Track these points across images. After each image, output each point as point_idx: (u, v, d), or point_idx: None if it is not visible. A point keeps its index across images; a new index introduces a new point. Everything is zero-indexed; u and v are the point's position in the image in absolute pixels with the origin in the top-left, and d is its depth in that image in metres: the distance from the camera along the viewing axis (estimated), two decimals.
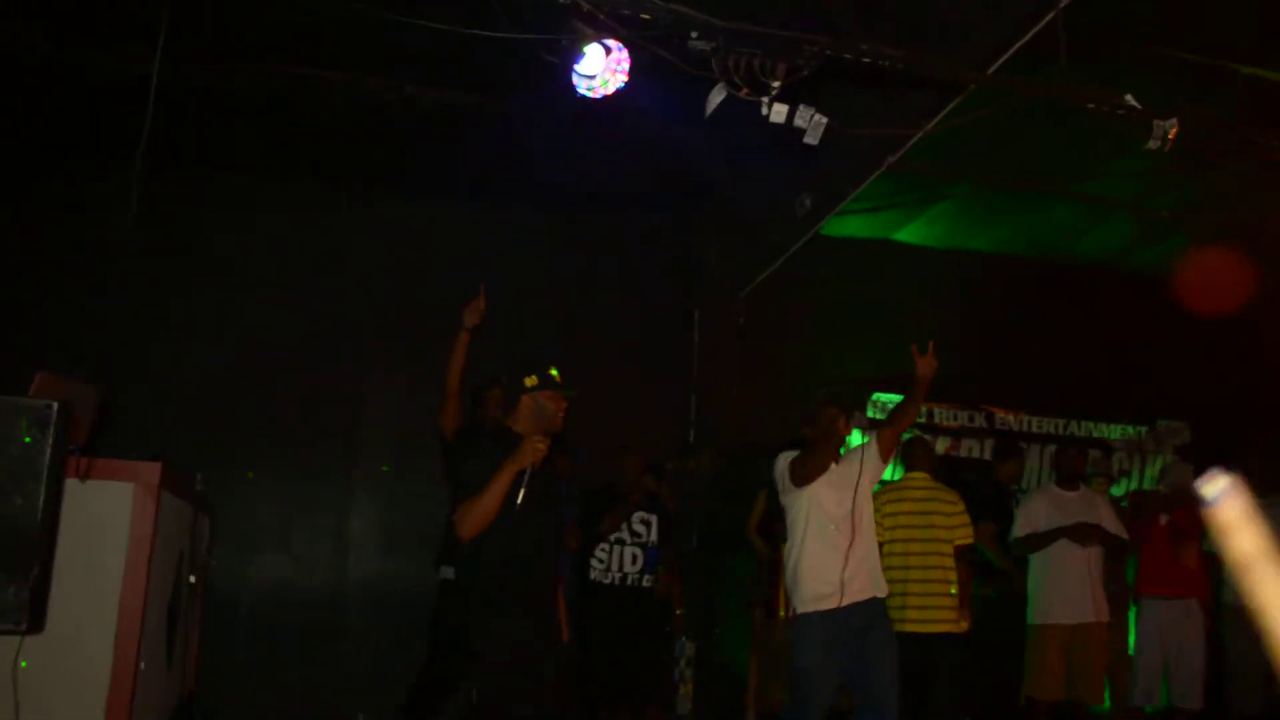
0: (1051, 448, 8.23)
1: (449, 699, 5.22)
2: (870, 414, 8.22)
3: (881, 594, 4.78)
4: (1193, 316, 8.03)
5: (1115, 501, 7.19)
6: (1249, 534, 0.91)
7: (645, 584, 6.33)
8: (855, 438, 8.02)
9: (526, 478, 3.87)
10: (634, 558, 6.41)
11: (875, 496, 6.58)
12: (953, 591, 5.91)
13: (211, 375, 6.74)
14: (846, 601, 4.61)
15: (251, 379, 6.81)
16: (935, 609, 5.86)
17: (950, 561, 5.93)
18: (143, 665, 3.49)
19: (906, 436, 7.90)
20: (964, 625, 5.89)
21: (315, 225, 7.10)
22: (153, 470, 3.56)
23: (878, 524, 6.30)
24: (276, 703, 6.30)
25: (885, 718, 4.54)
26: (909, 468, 6.43)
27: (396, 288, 7.11)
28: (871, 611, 4.68)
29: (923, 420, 8.34)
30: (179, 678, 4.70)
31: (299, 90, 5.90)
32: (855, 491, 4.79)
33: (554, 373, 4.12)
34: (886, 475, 5.95)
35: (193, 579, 4.81)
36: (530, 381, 4.09)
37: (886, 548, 5.92)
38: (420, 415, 6.71)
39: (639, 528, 6.40)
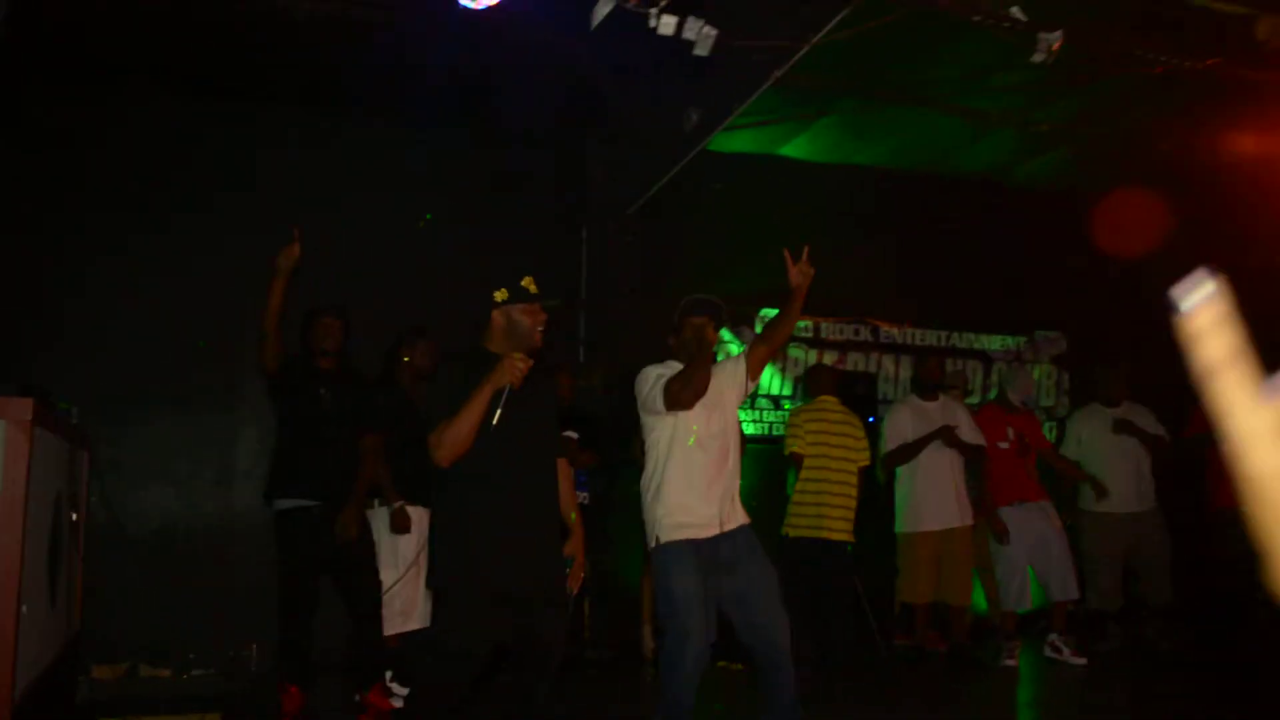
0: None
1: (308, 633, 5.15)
2: (758, 329, 8.30)
3: (744, 523, 4.30)
4: (1071, 228, 8.27)
5: (971, 410, 7.44)
6: (1221, 340, 0.90)
7: (582, 501, 6.25)
8: (735, 348, 8.16)
9: (504, 398, 3.56)
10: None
11: (795, 414, 6.79)
12: (852, 506, 6.51)
13: (86, 304, 6.47)
14: (723, 530, 4.21)
15: (132, 312, 6.55)
16: (845, 520, 6.50)
17: (854, 479, 6.55)
18: (24, 608, 3.36)
19: (810, 363, 8.10)
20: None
21: (193, 152, 6.79)
22: (23, 406, 3.38)
23: (798, 438, 6.52)
24: (167, 636, 6.16)
25: (779, 650, 4.15)
26: (816, 392, 6.74)
27: (277, 214, 6.84)
28: (742, 540, 4.25)
29: (809, 335, 8.46)
30: (64, 618, 4.55)
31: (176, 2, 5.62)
32: (726, 410, 4.34)
33: (527, 284, 3.76)
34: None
35: (74, 516, 4.64)
36: (500, 295, 3.75)
37: (808, 462, 6.51)
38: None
39: None
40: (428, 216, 6.49)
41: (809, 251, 4.32)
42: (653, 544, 4.27)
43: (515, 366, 3.55)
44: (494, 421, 3.55)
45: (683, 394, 4.19)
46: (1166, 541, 7.33)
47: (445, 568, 3.69)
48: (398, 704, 5.08)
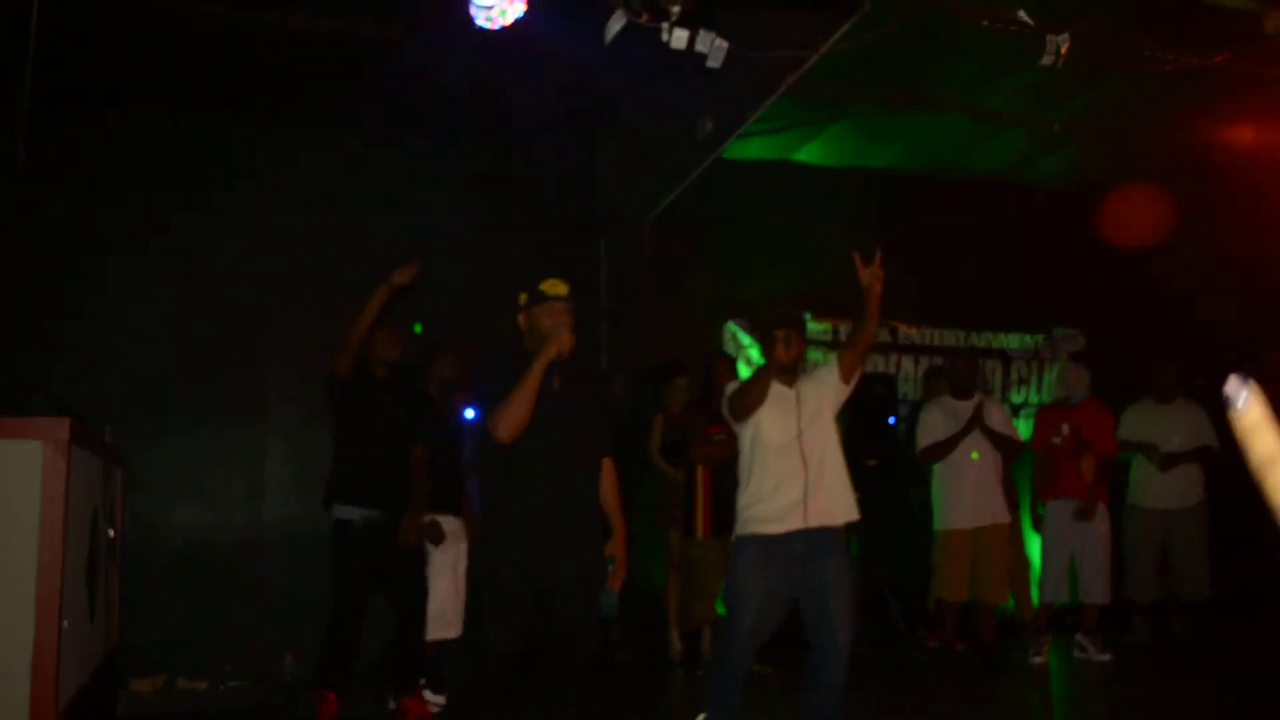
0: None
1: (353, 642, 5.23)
2: None
3: (836, 522, 4.42)
4: (1086, 226, 8.30)
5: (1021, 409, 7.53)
6: (1269, 436, 0.97)
7: None
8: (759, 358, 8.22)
9: (554, 374, 3.84)
10: None
11: None
12: None
13: (114, 322, 6.56)
14: (789, 529, 4.34)
15: (156, 324, 6.64)
16: None
17: None
18: (65, 623, 3.46)
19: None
20: None
21: (215, 164, 6.89)
22: (60, 426, 3.48)
23: None
24: (201, 649, 6.28)
25: (837, 647, 4.30)
26: None
27: (301, 227, 6.98)
28: (820, 540, 4.35)
29: (828, 339, 8.50)
30: (102, 632, 4.66)
31: (190, 22, 5.72)
32: (803, 416, 4.46)
33: (545, 286, 4.01)
34: None
35: (110, 533, 4.75)
36: (522, 299, 4.02)
37: None
38: (327, 351, 6.66)
39: None
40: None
41: (881, 256, 4.44)
42: (733, 536, 4.56)
43: (561, 338, 3.81)
44: (554, 389, 3.80)
45: (735, 406, 4.52)
46: (1203, 538, 7.42)
47: (485, 556, 3.89)
48: (434, 710, 5.17)
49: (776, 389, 4.49)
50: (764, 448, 4.47)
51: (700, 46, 4.43)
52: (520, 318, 4.02)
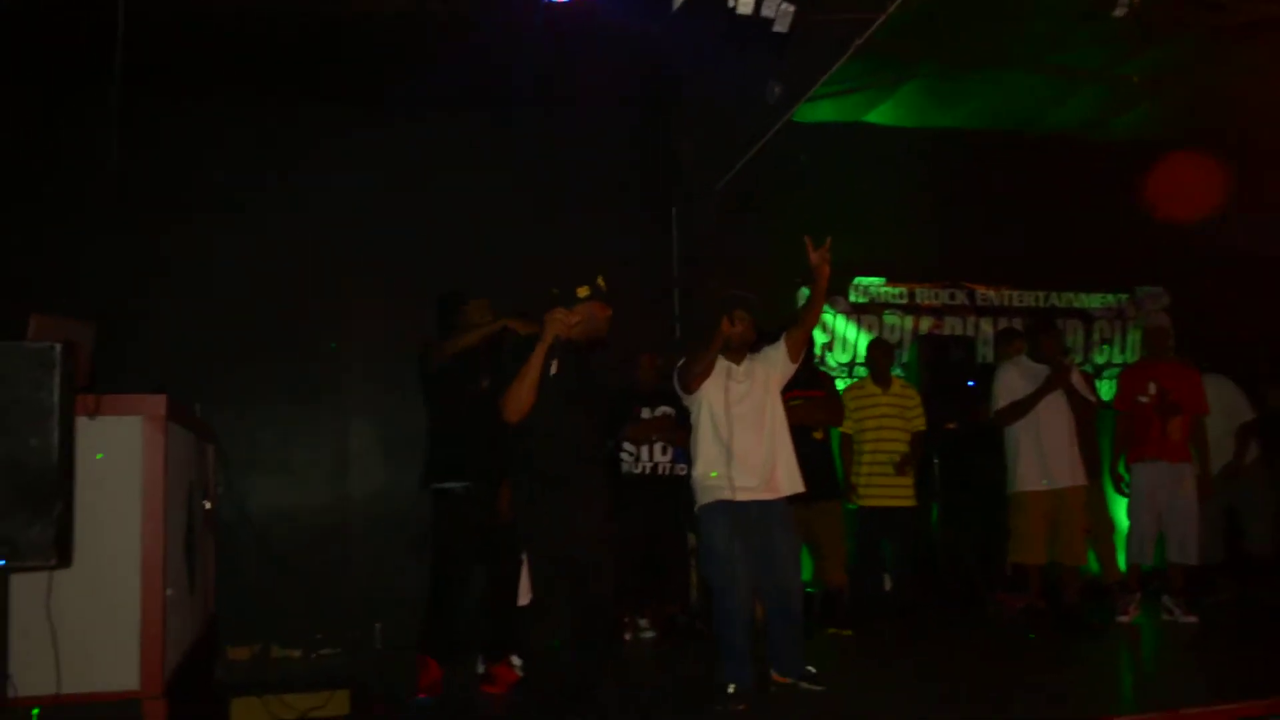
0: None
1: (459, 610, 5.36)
2: (852, 298, 8.31)
3: (784, 493, 4.92)
4: (1169, 181, 8.12)
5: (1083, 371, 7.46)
6: None
7: (679, 472, 6.48)
8: (841, 326, 8.20)
9: (556, 355, 4.25)
10: (664, 448, 6.66)
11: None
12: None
13: (198, 301, 6.72)
14: (751, 499, 4.81)
15: (238, 301, 6.80)
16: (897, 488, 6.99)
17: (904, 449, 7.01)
18: (169, 592, 3.60)
19: (908, 330, 8.18)
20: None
21: (294, 146, 7.02)
22: (158, 403, 3.62)
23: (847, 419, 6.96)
24: (291, 621, 6.45)
25: (788, 583, 4.88)
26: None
27: (377, 204, 7.09)
28: (770, 507, 4.87)
29: (904, 301, 8.44)
30: (201, 602, 4.83)
31: (267, 7, 5.83)
32: (752, 390, 4.91)
33: (601, 282, 4.42)
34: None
35: (206, 505, 4.91)
36: (583, 292, 4.37)
37: (861, 438, 7.09)
38: (406, 327, 6.77)
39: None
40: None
41: (830, 241, 4.82)
42: (695, 507, 4.98)
43: (562, 320, 4.22)
44: (551, 374, 4.21)
45: (683, 378, 4.93)
46: (1265, 496, 7.42)
47: (524, 533, 4.37)
48: (519, 675, 5.26)
49: (724, 364, 4.91)
50: (709, 420, 4.89)
51: (766, 11, 4.40)
52: (578, 309, 4.35)
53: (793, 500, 5.01)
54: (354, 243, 7.06)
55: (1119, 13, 4.57)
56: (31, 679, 3.23)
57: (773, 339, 5.11)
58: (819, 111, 7.83)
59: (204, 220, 6.80)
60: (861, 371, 8.01)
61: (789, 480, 4.93)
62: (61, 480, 3.07)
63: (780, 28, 4.46)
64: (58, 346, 3.10)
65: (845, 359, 8.17)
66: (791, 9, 4.44)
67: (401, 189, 7.12)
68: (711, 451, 4.87)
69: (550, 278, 4.52)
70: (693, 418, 5.01)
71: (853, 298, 8.31)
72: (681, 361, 4.99)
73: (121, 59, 4.17)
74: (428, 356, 5.37)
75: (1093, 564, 7.32)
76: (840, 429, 7.04)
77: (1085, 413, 6.89)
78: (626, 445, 6.59)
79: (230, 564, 5.87)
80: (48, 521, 3.04)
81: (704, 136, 7.61)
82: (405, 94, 6.85)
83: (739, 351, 4.97)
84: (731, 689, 4.68)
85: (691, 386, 4.88)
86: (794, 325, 5.06)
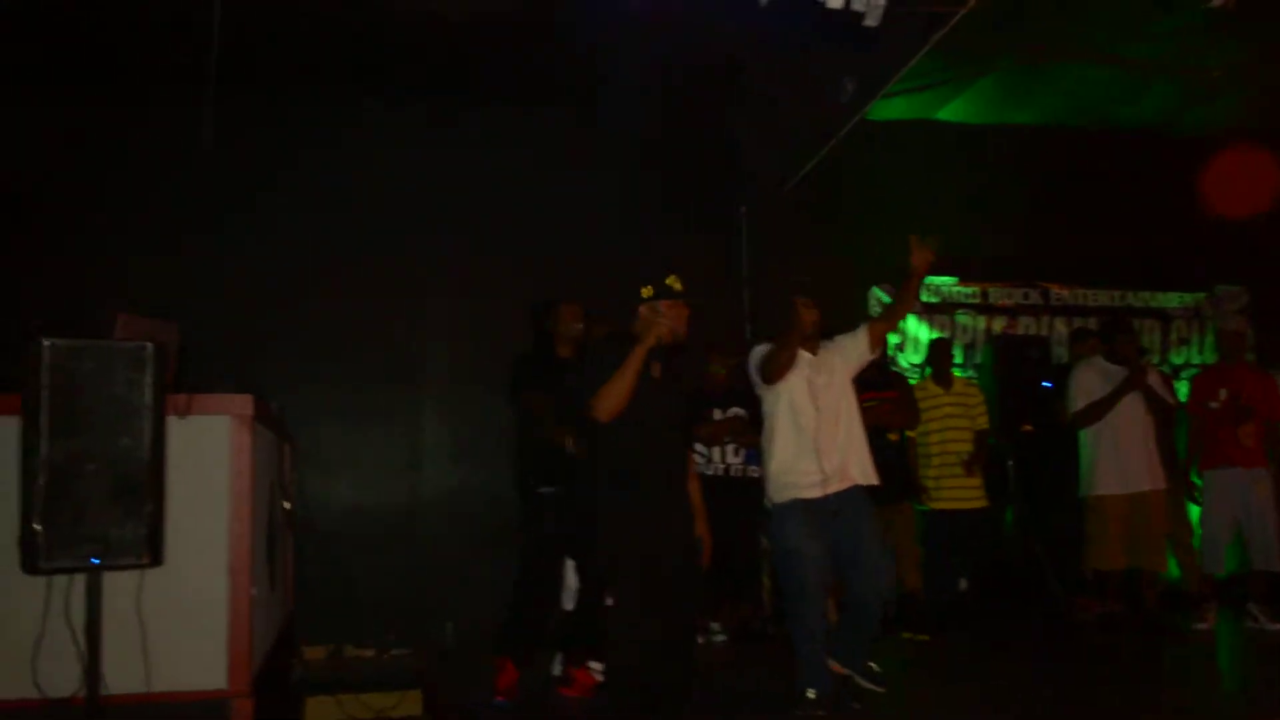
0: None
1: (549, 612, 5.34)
2: (925, 298, 8.19)
3: (862, 481, 4.73)
4: (1247, 177, 7.91)
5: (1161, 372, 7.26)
6: None
7: (752, 474, 6.41)
8: (913, 326, 8.09)
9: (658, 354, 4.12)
10: (736, 449, 6.61)
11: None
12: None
13: (270, 298, 6.79)
14: (829, 491, 4.63)
15: (311, 299, 6.87)
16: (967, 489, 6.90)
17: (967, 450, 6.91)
18: (254, 590, 3.61)
19: (980, 330, 8.06)
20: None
21: (372, 142, 7.09)
22: (245, 402, 3.63)
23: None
24: (367, 617, 6.46)
25: (870, 591, 4.64)
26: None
27: (446, 201, 7.12)
28: (847, 497, 4.67)
29: (977, 301, 8.31)
30: (281, 600, 4.85)
31: (350, 6, 5.88)
32: (836, 380, 4.75)
33: (671, 282, 4.19)
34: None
35: (286, 505, 4.93)
36: (646, 292, 4.20)
37: (926, 439, 7.01)
38: (481, 325, 6.79)
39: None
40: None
41: (937, 237, 4.69)
42: (769, 503, 4.79)
43: (659, 322, 4.06)
44: (652, 376, 4.09)
45: (767, 368, 4.72)
46: None
47: (606, 543, 4.17)
48: (600, 678, 5.22)
49: (802, 355, 4.73)
50: (791, 414, 4.70)
51: (857, 5, 4.31)
52: (642, 309, 4.20)
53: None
54: (431, 240, 7.09)
55: (1216, 3, 4.42)
56: (122, 678, 3.25)
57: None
58: (890, 109, 7.73)
59: (276, 215, 6.86)
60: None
61: (861, 472, 4.76)
62: (153, 479, 3.09)
63: (871, 21, 4.35)
64: (150, 346, 3.12)
65: (918, 360, 8.05)
66: (882, 2, 4.33)
67: (470, 185, 7.15)
68: (790, 443, 4.71)
69: (619, 273, 4.47)
70: (768, 409, 4.84)
71: (925, 298, 8.19)
72: (764, 351, 4.79)
73: (216, 61, 4.21)
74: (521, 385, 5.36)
75: (1173, 569, 7.15)
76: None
77: (1164, 414, 6.74)
78: (699, 447, 6.53)
79: (305, 561, 5.90)
80: (139, 521, 3.07)
81: (773, 134, 7.53)
82: (477, 89, 6.89)
83: (813, 340, 4.83)
84: (811, 694, 4.59)
85: (775, 378, 4.71)
86: (880, 318, 5.00)
